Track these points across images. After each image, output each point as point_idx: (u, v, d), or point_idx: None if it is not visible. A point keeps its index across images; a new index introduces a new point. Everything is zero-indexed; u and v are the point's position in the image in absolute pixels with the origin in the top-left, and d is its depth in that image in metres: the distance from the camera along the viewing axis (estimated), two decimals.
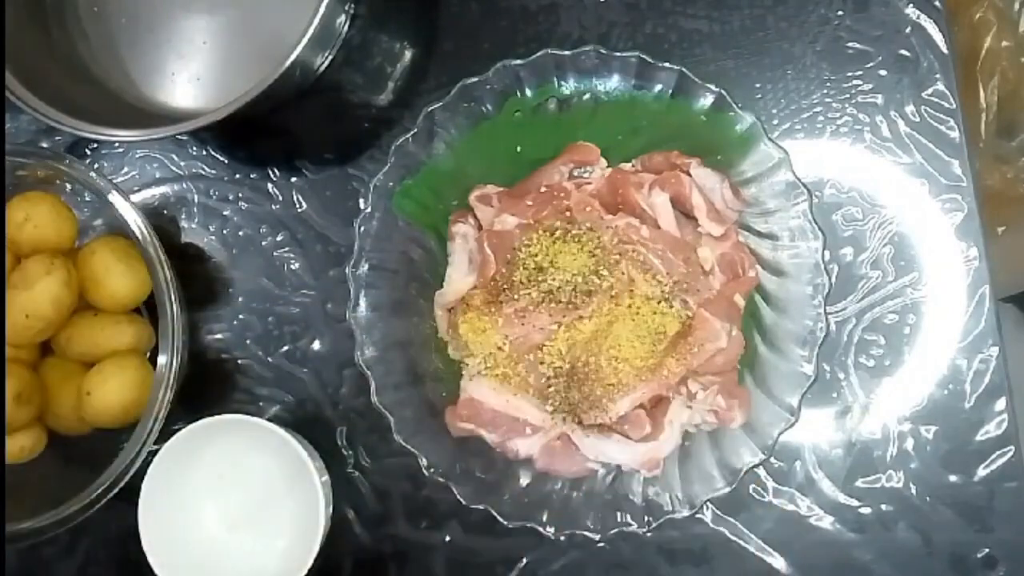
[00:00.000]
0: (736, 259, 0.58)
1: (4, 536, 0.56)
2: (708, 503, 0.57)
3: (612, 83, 0.59)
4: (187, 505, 0.60)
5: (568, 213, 0.58)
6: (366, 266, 0.58)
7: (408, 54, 0.67)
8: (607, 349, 0.56)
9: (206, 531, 0.61)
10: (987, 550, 0.61)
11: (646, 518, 0.55)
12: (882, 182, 0.63)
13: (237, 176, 0.67)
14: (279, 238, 0.67)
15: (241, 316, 0.66)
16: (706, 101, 0.57)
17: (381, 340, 0.58)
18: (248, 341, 0.66)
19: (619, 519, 0.56)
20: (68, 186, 0.62)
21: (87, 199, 0.65)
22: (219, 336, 0.66)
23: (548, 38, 0.65)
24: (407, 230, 0.60)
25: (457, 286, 0.59)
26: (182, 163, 0.68)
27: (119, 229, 0.60)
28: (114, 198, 0.58)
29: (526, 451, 0.57)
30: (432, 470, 0.56)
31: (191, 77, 0.66)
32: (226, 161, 0.68)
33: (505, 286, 0.57)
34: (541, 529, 0.56)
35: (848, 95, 0.64)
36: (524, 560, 0.63)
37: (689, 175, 0.58)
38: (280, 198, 0.67)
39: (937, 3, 0.63)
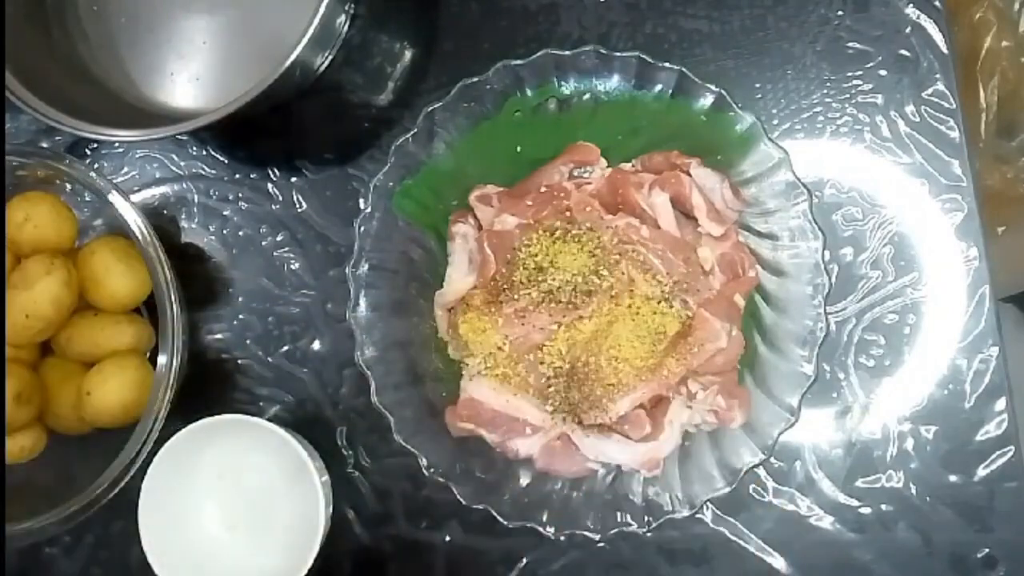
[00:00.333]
0: (736, 259, 0.58)
1: (4, 536, 0.56)
2: (708, 503, 0.57)
3: (612, 83, 0.59)
4: (187, 505, 0.60)
5: (568, 213, 0.58)
6: (366, 266, 0.58)
7: (408, 54, 0.67)
8: (607, 349, 0.56)
9: (206, 531, 0.61)
10: (987, 550, 0.61)
11: (646, 518, 0.55)
12: (882, 182, 0.63)
13: (237, 176, 0.67)
14: (279, 238, 0.67)
15: (241, 316, 0.66)
16: (706, 101, 0.57)
17: (381, 340, 0.58)
18: (248, 341, 0.66)
19: (619, 519, 0.56)
20: (68, 186, 0.62)
21: (87, 199, 0.65)
22: (219, 336, 0.66)
23: (548, 38, 0.65)
24: (407, 230, 0.60)
25: (457, 286, 0.59)
26: (182, 163, 0.68)
27: (119, 229, 0.60)
28: (114, 198, 0.58)
29: (526, 451, 0.57)
30: (432, 470, 0.56)
31: (191, 77, 0.66)
32: (226, 161, 0.68)
33: (505, 286, 0.57)
34: (541, 529, 0.56)
35: (848, 95, 0.64)
36: (524, 560, 0.63)
37: (689, 175, 0.58)
38: (280, 198, 0.67)
39: (937, 3, 0.63)
